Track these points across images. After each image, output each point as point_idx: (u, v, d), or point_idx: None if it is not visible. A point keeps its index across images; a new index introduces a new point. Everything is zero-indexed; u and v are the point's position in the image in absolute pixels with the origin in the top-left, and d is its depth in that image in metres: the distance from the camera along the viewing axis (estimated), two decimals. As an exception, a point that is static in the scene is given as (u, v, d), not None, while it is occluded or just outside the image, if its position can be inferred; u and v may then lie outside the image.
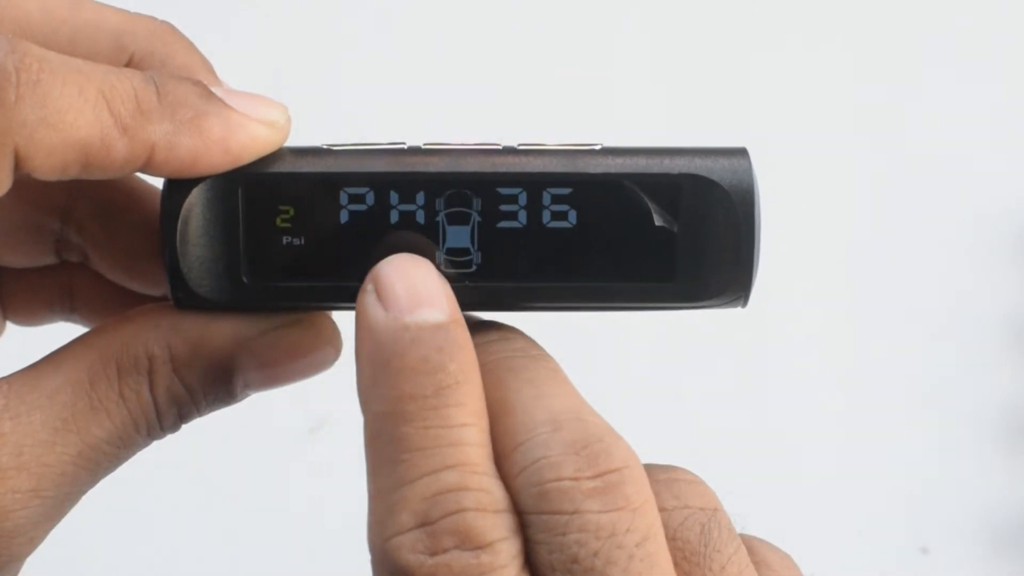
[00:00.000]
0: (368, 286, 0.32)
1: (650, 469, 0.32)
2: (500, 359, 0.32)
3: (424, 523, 0.29)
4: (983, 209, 0.87)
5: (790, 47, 0.86)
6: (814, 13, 0.86)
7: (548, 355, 0.33)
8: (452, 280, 0.34)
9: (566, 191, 0.34)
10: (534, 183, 0.34)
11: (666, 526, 0.31)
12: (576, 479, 0.29)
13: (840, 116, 0.86)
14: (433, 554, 0.29)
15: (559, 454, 0.30)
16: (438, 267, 0.34)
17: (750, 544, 0.33)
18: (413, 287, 0.31)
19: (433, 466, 0.30)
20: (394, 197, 0.34)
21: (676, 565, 0.30)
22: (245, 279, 0.34)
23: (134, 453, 0.35)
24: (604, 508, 0.29)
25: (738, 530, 0.32)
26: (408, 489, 0.29)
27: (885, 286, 0.87)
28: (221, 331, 0.35)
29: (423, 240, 0.34)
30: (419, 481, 0.29)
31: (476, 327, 0.33)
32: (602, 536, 0.29)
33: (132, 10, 0.36)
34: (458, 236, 0.34)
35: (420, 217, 0.34)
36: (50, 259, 0.40)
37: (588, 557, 0.29)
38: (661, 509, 0.31)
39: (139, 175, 0.35)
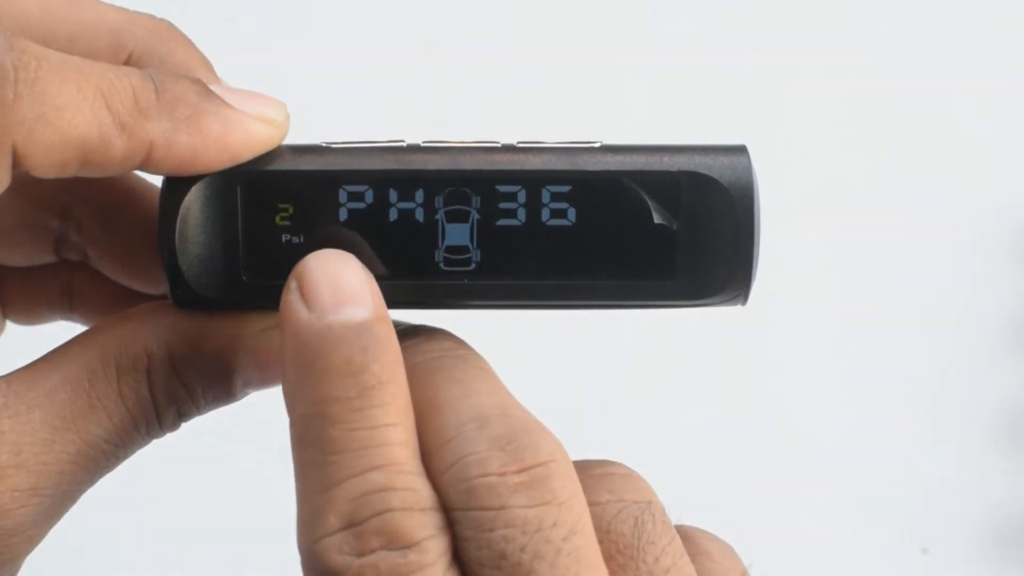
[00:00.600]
0: (291, 284, 0.31)
1: (584, 464, 0.32)
2: (427, 359, 0.32)
3: (351, 524, 0.29)
4: (983, 209, 0.87)
5: (791, 45, 0.86)
6: (815, 12, 0.86)
7: (476, 354, 0.33)
8: (451, 278, 0.34)
9: (565, 189, 0.34)
10: (533, 181, 0.34)
11: (600, 519, 0.31)
12: (502, 474, 0.29)
13: (840, 114, 0.86)
14: (360, 555, 0.29)
15: (485, 450, 0.30)
16: (437, 265, 0.34)
17: (690, 535, 0.33)
18: (337, 284, 0.31)
19: (359, 467, 0.29)
20: (393, 195, 0.34)
21: (611, 558, 0.30)
22: (244, 277, 0.34)
23: (133, 452, 0.35)
24: (530, 503, 0.29)
25: (674, 522, 0.32)
26: (335, 491, 0.29)
27: (884, 285, 0.87)
28: (220, 330, 0.35)
29: (422, 238, 0.34)
30: (345, 483, 0.29)
31: (403, 330, 0.33)
32: (529, 531, 0.29)
33: (131, 8, 0.36)
34: (457, 234, 0.34)
35: (419, 215, 0.34)
36: (49, 257, 0.40)
37: (516, 552, 0.29)
38: (595, 503, 0.31)
39: (138, 173, 0.35)
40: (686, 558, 0.31)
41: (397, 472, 0.30)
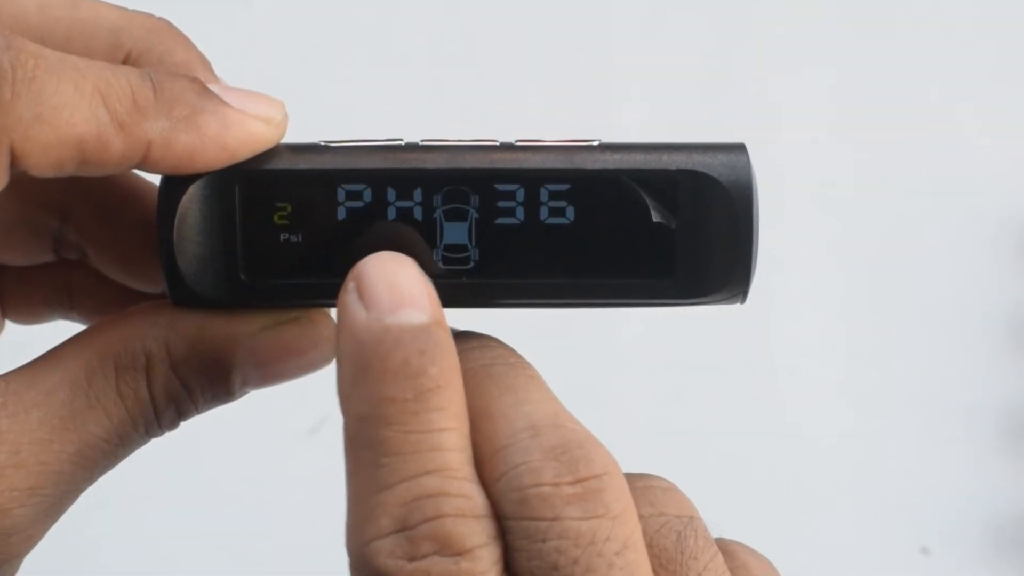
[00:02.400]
0: (350, 284, 0.31)
1: (626, 477, 0.31)
2: (479, 366, 0.32)
3: (403, 528, 0.29)
4: (983, 208, 0.87)
5: (790, 43, 0.86)
6: (815, 11, 0.86)
7: (527, 363, 0.33)
8: (450, 277, 0.34)
9: (564, 187, 0.34)
10: (532, 179, 0.34)
11: (642, 534, 0.30)
12: (556, 485, 0.29)
13: (840, 113, 0.86)
14: (412, 559, 0.29)
15: (539, 459, 0.29)
16: (435, 264, 0.34)
17: (730, 548, 0.33)
18: (396, 287, 0.31)
19: (413, 471, 0.29)
20: (391, 194, 0.34)
21: (653, 572, 0.30)
22: (243, 276, 0.34)
23: (132, 451, 0.35)
24: (584, 515, 0.29)
25: (715, 536, 0.32)
26: (387, 494, 0.29)
27: (884, 284, 0.87)
28: (219, 329, 0.35)
29: (421, 236, 0.34)
30: (399, 486, 0.29)
31: (455, 336, 0.33)
32: (582, 544, 0.29)
33: (130, 7, 0.36)
34: (456, 232, 0.34)
35: (418, 214, 0.34)
36: (48, 257, 0.40)
37: (568, 565, 0.29)
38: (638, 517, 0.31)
39: (137, 172, 0.35)
40: (728, 574, 0.31)
41: (451, 478, 0.29)
